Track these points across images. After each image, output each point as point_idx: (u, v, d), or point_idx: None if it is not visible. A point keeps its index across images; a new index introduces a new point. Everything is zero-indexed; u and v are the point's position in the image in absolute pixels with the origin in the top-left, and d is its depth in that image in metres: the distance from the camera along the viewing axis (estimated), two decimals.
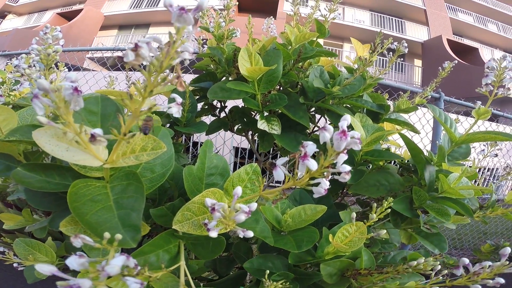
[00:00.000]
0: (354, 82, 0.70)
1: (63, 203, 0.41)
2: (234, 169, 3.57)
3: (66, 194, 0.37)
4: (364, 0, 11.56)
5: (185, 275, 0.41)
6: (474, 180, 0.78)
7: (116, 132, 0.25)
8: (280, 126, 0.67)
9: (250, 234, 0.36)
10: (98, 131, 0.24)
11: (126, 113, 0.69)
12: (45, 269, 0.18)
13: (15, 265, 0.54)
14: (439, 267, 0.37)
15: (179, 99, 0.25)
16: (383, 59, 10.58)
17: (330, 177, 0.28)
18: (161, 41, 0.22)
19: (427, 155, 0.67)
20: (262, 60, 0.68)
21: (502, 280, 0.31)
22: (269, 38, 0.83)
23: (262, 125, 0.66)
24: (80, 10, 11.22)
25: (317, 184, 0.29)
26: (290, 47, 0.78)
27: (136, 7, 11.86)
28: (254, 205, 0.35)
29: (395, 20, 11.41)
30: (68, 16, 11.38)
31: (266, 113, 0.72)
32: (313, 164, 0.27)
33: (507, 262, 0.32)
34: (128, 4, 12.04)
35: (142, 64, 0.22)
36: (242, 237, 0.37)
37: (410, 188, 0.68)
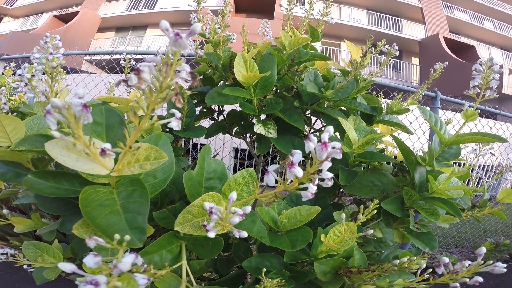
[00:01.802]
0: (347, 86, 0.72)
1: (71, 207, 0.44)
2: (234, 170, 3.59)
3: (74, 199, 0.40)
4: None
5: (187, 274, 0.43)
6: (467, 180, 0.80)
7: (123, 145, 0.27)
8: (276, 130, 0.69)
9: (245, 234, 0.39)
10: (108, 145, 0.26)
11: (127, 119, 0.71)
12: (67, 267, 0.20)
13: (25, 266, 0.56)
14: (424, 265, 0.39)
15: (178, 114, 0.27)
16: (379, 58, 10.62)
17: (317, 182, 0.30)
18: (159, 61, 0.24)
19: (421, 155, 0.69)
20: (258, 66, 0.70)
21: (480, 279, 0.34)
22: (264, 44, 0.86)
23: (258, 129, 0.68)
24: (77, 12, 11.20)
25: (305, 189, 0.31)
26: (284, 52, 0.81)
27: (133, 9, 11.85)
28: (248, 208, 0.37)
29: (392, 18, 11.45)
30: (65, 19, 11.36)
31: (262, 117, 0.75)
32: (299, 172, 0.29)
33: (482, 262, 0.34)
34: (125, 6, 12.03)
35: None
36: (238, 237, 0.40)
37: (403, 188, 0.71)
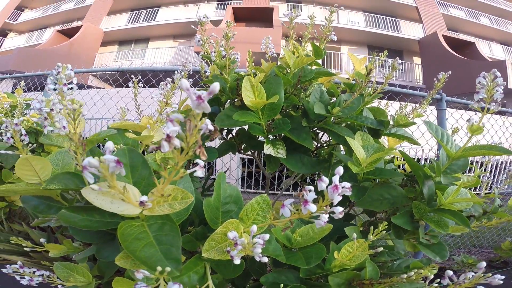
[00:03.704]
0: (353, 103, 0.75)
1: (103, 235, 0.47)
2: (243, 181, 3.61)
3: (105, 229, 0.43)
4: (355, 1, 11.69)
5: None
6: (474, 187, 0.82)
7: (157, 194, 0.30)
8: (285, 150, 0.72)
9: (265, 259, 0.42)
10: (145, 198, 0.29)
11: (142, 145, 0.75)
12: None
13: (59, 287, 0.59)
14: (432, 276, 0.42)
15: (201, 163, 0.30)
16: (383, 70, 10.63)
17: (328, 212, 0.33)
18: (183, 118, 0.27)
19: (431, 164, 0.71)
20: (264, 88, 0.74)
21: None
22: (269, 64, 0.89)
23: (268, 149, 0.71)
24: (80, 27, 11.44)
25: (317, 217, 0.34)
26: (289, 71, 0.84)
27: (134, 22, 12.08)
28: (267, 236, 0.40)
29: (389, 19, 11.51)
30: (69, 33, 11.61)
31: (271, 136, 0.78)
32: (313, 208, 0.32)
33: (483, 275, 0.37)
34: (126, 19, 12.27)
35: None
36: (258, 259, 0.43)
37: (413, 199, 0.73)
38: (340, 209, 0.32)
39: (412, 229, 0.63)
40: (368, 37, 11.32)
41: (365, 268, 0.57)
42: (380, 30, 11.17)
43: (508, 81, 8.29)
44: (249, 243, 0.36)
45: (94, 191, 0.33)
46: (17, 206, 1.83)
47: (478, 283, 0.37)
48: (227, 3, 11.44)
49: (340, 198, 0.32)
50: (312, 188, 0.33)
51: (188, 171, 0.30)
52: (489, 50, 11.93)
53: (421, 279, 0.46)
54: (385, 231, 0.74)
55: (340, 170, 0.33)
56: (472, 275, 0.37)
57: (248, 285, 0.76)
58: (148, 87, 2.08)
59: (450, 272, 0.38)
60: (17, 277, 0.63)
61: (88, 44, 11.28)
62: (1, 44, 14.48)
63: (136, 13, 12.31)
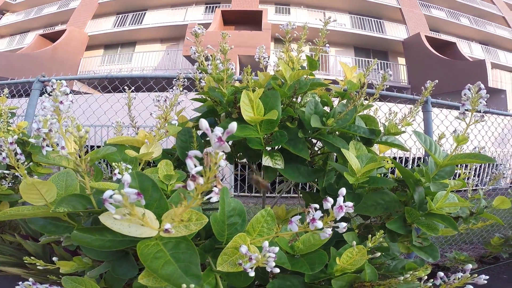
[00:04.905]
0: (346, 116, 0.79)
1: (115, 253, 0.48)
2: (237, 185, 3.62)
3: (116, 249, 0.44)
4: (341, 3, 11.93)
5: None
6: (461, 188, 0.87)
7: (177, 220, 0.33)
8: (283, 161, 0.75)
9: (277, 270, 0.44)
10: (169, 226, 0.31)
11: (143, 162, 0.76)
12: None
13: None
14: (426, 277, 0.46)
15: (216, 190, 0.32)
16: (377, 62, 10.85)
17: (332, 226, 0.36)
18: (201, 155, 0.30)
19: (419, 168, 0.76)
20: (261, 101, 0.76)
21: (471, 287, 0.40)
22: (265, 77, 0.92)
23: (266, 161, 0.74)
24: (63, 31, 11.17)
25: (322, 230, 0.37)
26: (285, 82, 0.87)
27: (120, 26, 11.89)
28: (276, 249, 0.43)
29: (374, 21, 11.80)
30: (52, 38, 11.31)
31: (268, 148, 0.80)
32: (320, 225, 0.35)
33: (469, 275, 0.41)
34: (111, 23, 12.06)
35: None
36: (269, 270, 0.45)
37: (404, 203, 0.77)
38: (344, 224, 0.36)
39: (405, 232, 0.67)
40: (354, 38, 11.57)
41: (364, 270, 0.61)
42: (366, 32, 11.44)
43: (488, 81, 8.67)
44: (262, 257, 0.39)
45: (111, 218, 0.34)
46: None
47: (466, 283, 0.41)
48: (216, 6, 11.44)
49: (342, 214, 0.35)
50: (317, 206, 0.36)
51: (206, 197, 0.32)
52: (469, 49, 12.41)
53: (416, 279, 0.50)
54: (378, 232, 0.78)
55: (343, 191, 0.36)
56: (461, 276, 0.41)
57: None
58: (138, 92, 2.07)
59: (441, 274, 0.42)
60: None
61: (72, 48, 11.02)
62: None
63: (122, 16, 12.12)
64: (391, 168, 1.08)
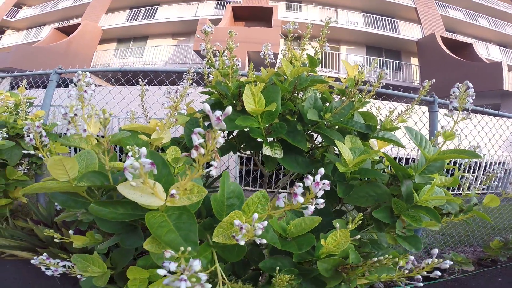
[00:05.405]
0: (343, 110, 0.83)
1: (125, 226, 0.55)
2: (241, 177, 3.70)
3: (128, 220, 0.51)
4: (355, 2, 11.77)
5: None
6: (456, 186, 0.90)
7: (182, 189, 0.39)
8: (282, 151, 0.80)
9: (264, 241, 0.50)
10: (175, 191, 0.37)
11: (151, 146, 0.82)
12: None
13: (79, 276, 0.67)
14: (401, 263, 0.51)
15: (215, 164, 0.38)
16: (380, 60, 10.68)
17: (314, 204, 0.42)
18: (203, 132, 0.36)
19: (414, 164, 0.80)
20: (263, 95, 0.82)
21: (438, 273, 0.45)
22: (268, 72, 0.97)
23: (266, 150, 0.79)
24: (78, 24, 11.43)
25: (306, 208, 0.43)
26: (286, 79, 0.92)
27: (133, 20, 12.08)
28: (265, 223, 0.49)
29: (387, 20, 11.60)
30: (67, 31, 11.59)
31: (269, 139, 0.86)
32: (301, 200, 0.41)
33: (436, 260, 0.46)
34: (125, 17, 12.26)
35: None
36: (258, 243, 0.51)
37: (396, 197, 0.82)
38: (321, 201, 0.41)
39: (392, 223, 0.71)
40: (366, 37, 11.42)
41: (349, 256, 0.66)
42: (379, 31, 11.27)
43: (504, 83, 8.43)
44: (251, 228, 0.45)
45: (127, 187, 0.41)
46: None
47: (433, 267, 0.45)
48: (227, 2, 11.47)
49: (322, 192, 0.41)
50: (301, 184, 0.41)
51: (206, 170, 0.38)
52: (486, 51, 12.07)
53: (391, 264, 0.54)
54: (369, 225, 0.83)
55: (322, 170, 0.42)
56: (430, 261, 0.46)
57: (247, 274, 0.85)
58: (149, 85, 2.15)
59: (412, 257, 0.47)
60: (43, 268, 0.70)
61: (86, 41, 11.28)
62: None
63: (135, 11, 12.30)
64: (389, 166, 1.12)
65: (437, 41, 10.38)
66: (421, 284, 0.46)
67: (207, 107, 0.33)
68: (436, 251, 0.46)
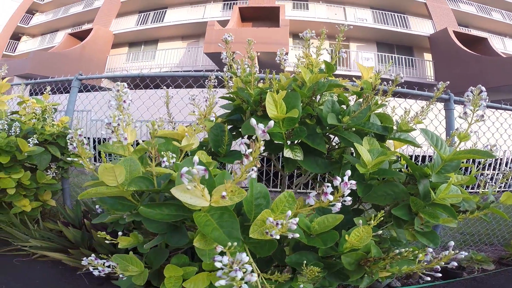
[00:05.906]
0: (361, 114, 0.88)
1: (169, 226, 0.62)
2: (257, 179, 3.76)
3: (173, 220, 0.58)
4: None
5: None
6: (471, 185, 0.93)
7: (228, 191, 0.45)
8: (302, 153, 0.86)
9: (297, 235, 0.56)
10: (225, 193, 0.43)
11: (184, 152, 0.89)
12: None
13: (121, 275, 0.73)
14: (420, 256, 0.55)
15: (255, 168, 0.44)
16: (392, 56, 10.53)
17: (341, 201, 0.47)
18: (249, 142, 0.41)
19: (431, 163, 0.83)
20: (284, 101, 0.87)
21: (455, 263, 0.49)
22: (287, 79, 1.02)
23: (287, 153, 0.85)
24: (90, 29, 11.76)
25: (333, 205, 0.48)
26: (304, 85, 0.97)
27: (143, 24, 12.32)
28: (297, 219, 0.54)
29: (397, 15, 11.43)
30: (80, 36, 11.94)
31: (289, 142, 0.91)
32: (331, 198, 0.46)
33: (453, 252, 0.50)
34: (134, 21, 12.52)
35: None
36: (290, 238, 0.57)
37: (414, 195, 0.86)
38: (349, 198, 0.46)
39: (410, 220, 0.76)
40: (376, 34, 11.28)
41: (371, 251, 0.71)
42: (389, 27, 11.11)
43: None
44: (286, 223, 0.50)
45: (181, 190, 0.47)
46: (49, 206, 2.00)
47: (450, 258, 0.50)
48: (233, 3, 11.55)
49: (349, 191, 0.46)
50: (330, 184, 0.47)
51: (248, 174, 0.44)
52: (502, 45, 11.72)
53: (411, 257, 0.59)
54: (388, 222, 0.87)
55: (348, 172, 0.47)
56: (447, 252, 0.51)
57: (270, 269, 0.91)
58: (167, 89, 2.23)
59: (431, 249, 0.52)
60: (91, 268, 0.76)
61: (99, 46, 11.59)
62: (16, 48, 15.00)
63: (144, 14, 12.54)
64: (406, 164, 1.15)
65: (450, 36, 10.15)
66: (439, 275, 0.51)
67: (253, 121, 0.39)
68: (452, 243, 0.50)
